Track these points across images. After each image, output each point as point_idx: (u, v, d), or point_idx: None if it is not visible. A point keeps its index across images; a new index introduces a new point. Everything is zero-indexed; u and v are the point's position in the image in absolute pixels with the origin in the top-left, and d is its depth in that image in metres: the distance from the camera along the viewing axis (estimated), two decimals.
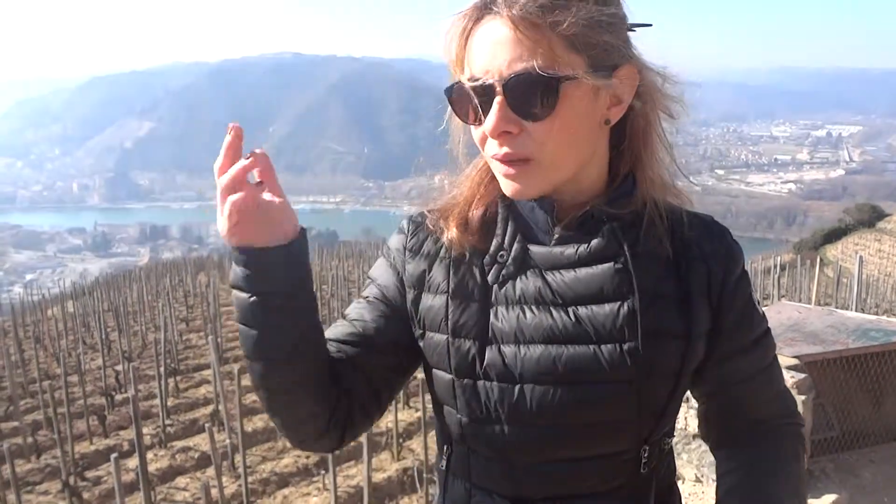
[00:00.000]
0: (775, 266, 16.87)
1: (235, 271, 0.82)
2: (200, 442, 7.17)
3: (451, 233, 0.94)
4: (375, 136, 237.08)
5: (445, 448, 0.98)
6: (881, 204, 47.76)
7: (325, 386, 0.88)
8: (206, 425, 5.76)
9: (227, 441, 6.51)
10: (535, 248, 0.91)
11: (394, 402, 6.28)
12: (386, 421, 7.06)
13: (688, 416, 3.14)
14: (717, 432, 1.05)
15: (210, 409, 8.04)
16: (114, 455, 4.33)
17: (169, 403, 7.94)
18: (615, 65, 0.84)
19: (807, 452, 2.89)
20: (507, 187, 0.88)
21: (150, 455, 6.64)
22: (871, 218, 40.39)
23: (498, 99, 0.82)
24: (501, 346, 0.88)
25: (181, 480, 6.49)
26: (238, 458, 5.98)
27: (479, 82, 0.83)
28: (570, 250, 0.90)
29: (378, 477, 6.42)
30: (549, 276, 0.90)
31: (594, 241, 0.89)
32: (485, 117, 0.84)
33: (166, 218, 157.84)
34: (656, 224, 0.92)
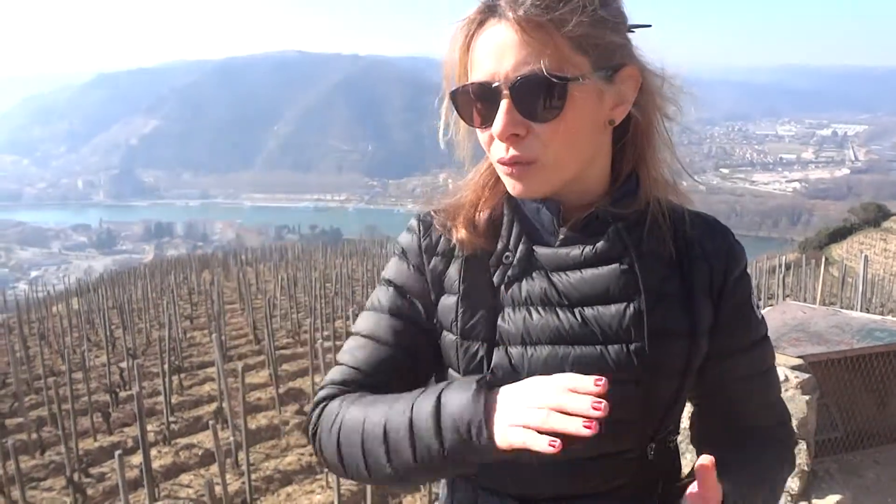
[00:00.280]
0: (780, 265, 16.79)
1: (465, 446, 0.75)
2: (204, 439, 7.17)
3: (460, 233, 0.94)
4: (380, 134, 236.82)
5: None
6: (887, 203, 47.43)
7: None
8: (210, 422, 5.77)
9: (231, 438, 6.52)
10: (540, 250, 0.92)
11: None
12: None
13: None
14: (708, 435, 1.04)
15: (214, 406, 8.04)
16: (118, 452, 4.36)
17: (173, 401, 7.94)
18: (619, 65, 0.84)
19: (804, 461, 2.89)
20: (512, 186, 0.88)
21: (153, 452, 6.65)
22: (876, 217, 40.18)
23: (505, 102, 0.81)
24: (509, 347, 0.89)
25: (185, 477, 6.49)
26: (241, 455, 5.99)
27: (486, 86, 0.82)
28: (575, 251, 0.90)
29: None
30: (555, 278, 0.90)
31: (599, 243, 0.90)
32: (492, 120, 0.83)
33: (171, 215, 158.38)
34: (659, 223, 0.92)
